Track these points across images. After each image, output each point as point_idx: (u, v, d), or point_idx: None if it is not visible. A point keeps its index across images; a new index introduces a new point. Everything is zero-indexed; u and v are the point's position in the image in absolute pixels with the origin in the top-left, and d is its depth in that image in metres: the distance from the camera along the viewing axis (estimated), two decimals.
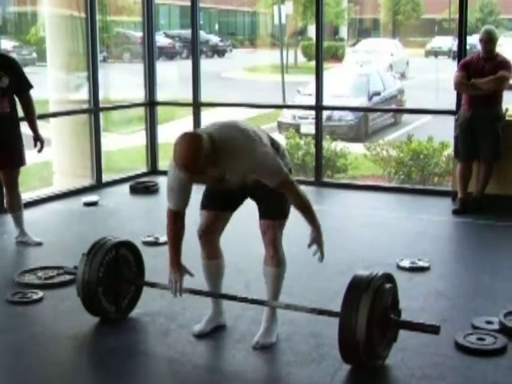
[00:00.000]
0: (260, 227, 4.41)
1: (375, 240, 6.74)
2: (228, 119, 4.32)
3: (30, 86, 6.43)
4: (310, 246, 4.35)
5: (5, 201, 6.64)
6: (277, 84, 18.68)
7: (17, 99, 6.38)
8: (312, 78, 9.06)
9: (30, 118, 6.44)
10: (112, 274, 4.73)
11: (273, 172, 4.10)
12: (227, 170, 4.08)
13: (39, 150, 6.50)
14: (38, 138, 6.46)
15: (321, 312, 4.29)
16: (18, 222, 6.59)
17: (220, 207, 4.45)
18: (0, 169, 6.43)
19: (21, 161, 6.43)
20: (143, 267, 4.97)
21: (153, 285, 4.83)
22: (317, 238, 4.33)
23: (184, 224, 4.35)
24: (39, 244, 6.49)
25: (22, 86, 6.37)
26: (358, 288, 4.00)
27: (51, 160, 9.57)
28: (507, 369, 4.19)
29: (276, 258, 4.41)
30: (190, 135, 4.00)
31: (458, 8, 7.96)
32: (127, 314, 4.88)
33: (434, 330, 4.07)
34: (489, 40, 7.47)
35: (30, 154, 6.57)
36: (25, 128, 6.51)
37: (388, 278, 4.17)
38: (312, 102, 8.98)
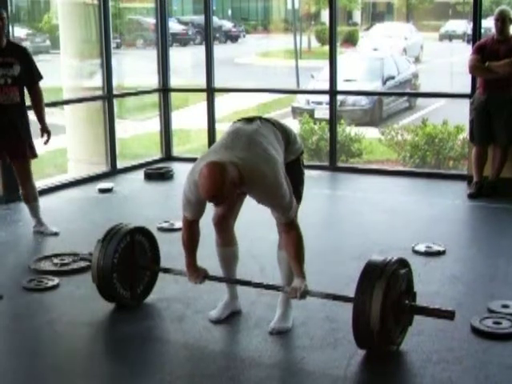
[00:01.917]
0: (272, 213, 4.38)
1: (390, 224, 6.72)
2: (246, 131, 4.19)
3: (41, 77, 6.42)
4: (290, 297, 4.31)
5: (20, 192, 6.64)
6: (290, 69, 18.61)
7: (25, 89, 6.37)
8: (326, 63, 9.03)
9: (39, 110, 6.42)
10: (127, 260, 4.74)
11: (287, 214, 4.08)
12: (250, 194, 4.12)
13: (46, 142, 6.47)
14: (45, 130, 6.42)
15: (335, 297, 4.28)
16: (34, 212, 6.58)
17: None
18: (11, 160, 6.41)
19: (31, 152, 6.40)
20: (158, 253, 4.97)
21: (168, 270, 4.83)
22: (298, 290, 4.18)
23: (199, 229, 4.35)
24: (56, 234, 6.50)
25: (34, 77, 6.35)
26: (372, 274, 3.99)
27: (66, 147, 9.59)
28: None
29: None
30: (215, 165, 3.86)
31: None
32: (142, 300, 4.90)
33: (449, 315, 4.06)
34: (502, 19, 7.39)
35: (42, 143, 6.57)
36: (33, 116, 6.51)
37: (402, 262, 4.16)
38: (326, 86, 8.95)
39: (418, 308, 4.17)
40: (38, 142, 6.48)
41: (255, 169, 3.97)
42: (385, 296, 3.90)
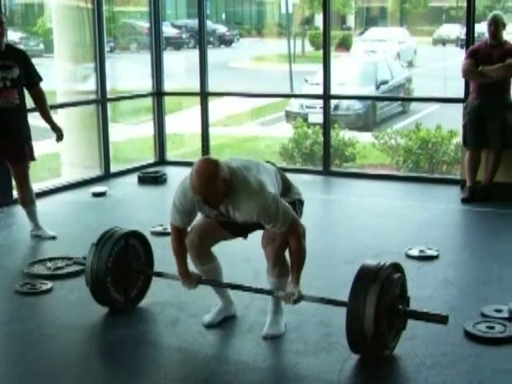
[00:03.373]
0: (263, 236, 4.36)
1: (384, 229, 6.73)
2: (243, 158, 4.31)
3: (41, 79, 6.43)
4: (281, 298, 4.32)
5: (17, 196, 6.64)
6: (284, 73, 18.64)
7: (26, 92, 6.38)
8: (319, 67, 9.04)
9: (44, 110, 6.44)
10: (121, 264, 4.73)
11: (281, 222, 4.08)
12: (235, 209, 4.07)
13: (58, 139, 6.50)
14: (56, 128, 6.47)
15: (329, 301, 4.28)
16: (32, 216, 6.56)
17: (220, 222, 4.39)
18: (10, 163, 6.41)
19: (30, 155, 6.38)
20: (152, 257, 4.98)
21: (161, 274, 4.83)
22: (291, 296, 4.20)
23: None
24: (53, 238, 6.48)
25: (34, 79, 6.36)
26: (366, 278, 3.99)
27: (59, 151, 9.58)
28: None
29: (277, 270, 4.37)
30: (209, 159, 4.05)
31: None
32: (136, 304, 4.89)
33: (442, 320, 4.07)
34: (495, 23, 7.41)
35: (39, 146, 6.57)
36: (33, 120, 6.51)
37: (396, 267, 4.16)
38: (320, 91, 8.96)
39: (411, 313, 4.17)
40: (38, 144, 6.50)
41: (241, 179, 4.03)
42: (378, 300, 3.90)
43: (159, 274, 4.86)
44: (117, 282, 4.72)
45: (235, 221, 4.18)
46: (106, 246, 4.67)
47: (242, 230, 4.44)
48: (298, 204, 4.42)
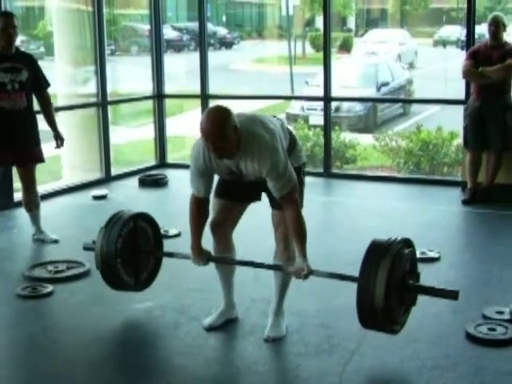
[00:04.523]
0: (272, 219, 4.38)
1: (385, 230, 6.67)
2: (253, 113, 4.30)
3: (48, 84, 6.46)
4: (290, 272, 4.30)
5: (22, 199, 6.63)
6: (285, 75, 18.65)
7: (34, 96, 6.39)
8: (320, 69, 9.04)
9: (49, 116, 6.46)
10: (130, 245, 4.71)
11: (286, 182, 4.07)
12: (247, 163, 4.06)
13: (57, 147, 6.54)
14: (58, 136, 6.49)
15: (340, 276, 4.26)
16: (35, 220, 6.55)
17: (234, 198, 4.41)
18: (18, 166, 6.42)
19: (39, 157, 6.40)
20: (161, 239, 4.95)
21: (172, 255, 4.81)
22: (301, 270, 4.21)
23: (207, 211, 4.38)
24: (56, 241, 6.47)
25: (41, 84, 6.39)
26: (377, 252, 3.99)
27: (60, 154, 9.57)
28: None
29: (287, 254, 4.38)
30: (220, 105, 4.09)
31: None
32: (146, 288, 4.88)
33: (452, 295, 4.08)
34: (496, 24, 7.41)
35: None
36: (41, 123, 6.53)
37: (407, 242, 4.16)
38: (320, 93, 8.96)
39: (421, 288, 4.16)
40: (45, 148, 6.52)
41: (251, 130, 4.04)
42: (389, 275, 3.89)
43: (169, 255, 4.83)
44: (127, 264, 4.69)
45: (246, 179, 4.18)
46: (115, 227, 4.65)
47: (255, 192, 4.40)
48: (303, 169, 4.48)
